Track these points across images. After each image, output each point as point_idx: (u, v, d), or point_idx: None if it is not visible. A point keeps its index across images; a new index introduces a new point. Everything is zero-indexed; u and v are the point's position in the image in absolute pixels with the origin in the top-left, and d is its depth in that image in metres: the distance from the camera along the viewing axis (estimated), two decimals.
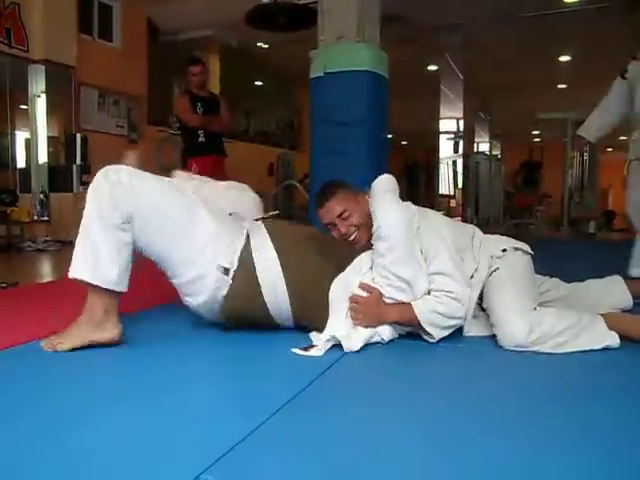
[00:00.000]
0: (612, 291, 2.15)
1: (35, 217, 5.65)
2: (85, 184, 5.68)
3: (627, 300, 2.12)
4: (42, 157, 5.87)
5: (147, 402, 1.26)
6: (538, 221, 8.42)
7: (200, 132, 4.39)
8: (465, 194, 8.93)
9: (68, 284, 1.78)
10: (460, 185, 11.75)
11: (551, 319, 1.70)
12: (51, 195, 5.68)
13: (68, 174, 5.61)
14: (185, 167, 4.39)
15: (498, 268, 1.86)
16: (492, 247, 1.93)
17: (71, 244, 5.52)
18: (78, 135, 5.77)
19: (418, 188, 14.04)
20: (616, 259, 4.69)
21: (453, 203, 12.26)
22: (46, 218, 5.71)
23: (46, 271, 4.36)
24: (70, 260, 1.75)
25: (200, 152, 4.42)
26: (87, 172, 5.71)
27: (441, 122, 10.90)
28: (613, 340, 1.70)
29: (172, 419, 1.17)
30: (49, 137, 5.89)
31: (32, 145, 5.87)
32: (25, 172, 5.88)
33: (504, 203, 11.65)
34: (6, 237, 5.09)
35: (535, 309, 1.76)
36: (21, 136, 6.06)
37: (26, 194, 5.70)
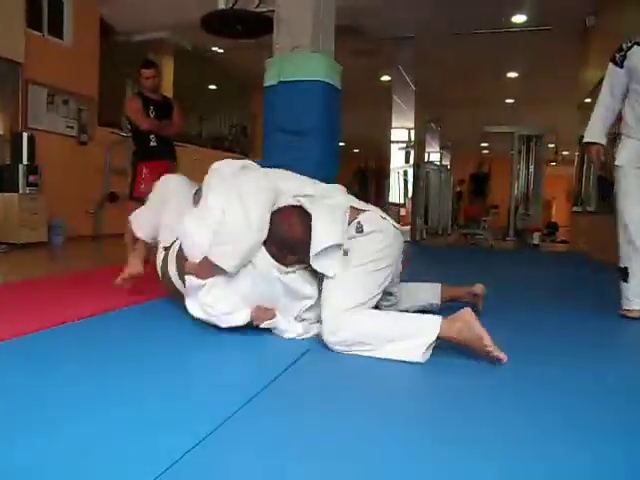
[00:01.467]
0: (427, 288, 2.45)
1: None
2: (32, 185, 5.54)
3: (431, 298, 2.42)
4: None
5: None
6: (485, 232, 8.67)
7: (151, 136, 4.33)
8: (414, 203, 9.10)
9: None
10: (410, 194, 12.02)
11: (359, 325, 1.79)
12: None
13: (14, 174, 5.44)
14: (136, 171, 4.36)
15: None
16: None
17: (17, 246, 5.43)
18: (25, 134, 5.60)
19: (368, 196, 14.19)
20: (555, 265, 4.93)
21: (403, 212, 12.53)
22: None
23: None
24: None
25: (151, 156, 4.36)
26: (34, 172, 5.57)
27: (393, 131, 11.14)
28: (419, 357, 1.74)
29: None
30: None
31: None
32: None
33: (453, 212, 11.99)
34: None
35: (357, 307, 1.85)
36: None
37: None
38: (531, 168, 10.12)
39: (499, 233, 9.76)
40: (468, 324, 1.74)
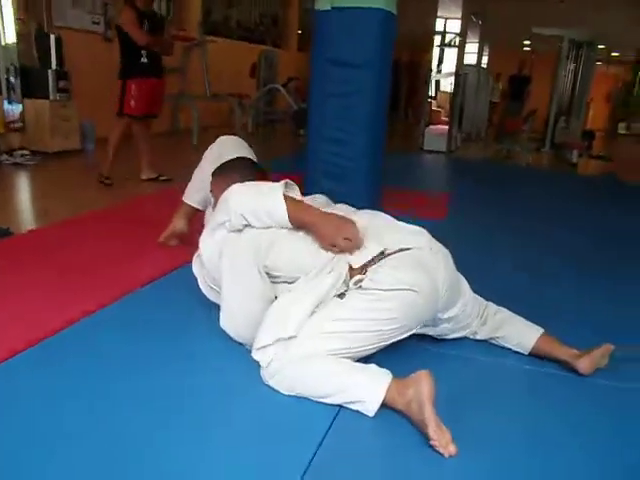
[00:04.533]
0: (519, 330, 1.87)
1: (10, 125, 5.32)
2: (62, 91, 5.33)
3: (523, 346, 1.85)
4: (10, 36, 5.37)
5: None
6: (523, 146, 8.36)
7: (143, 52, 4.10)
8: (452, 110, 8.70)
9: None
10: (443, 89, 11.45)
11: (299, 376, 1.50)
12: (26, 102, 5.31)
13: (43, 79, 5.22)
14: (124, 88, 4.16)
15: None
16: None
17: (47, 155, 5.47)
18: (52, 36, 5.29)
19: (399, 94, 13.50)
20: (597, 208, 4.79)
21: (434, 106, 12.04)
22: (21, 124, 5.39)
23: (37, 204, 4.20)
24: None
25: (141, 73, 4.15)
26: (64, 78, 5.34)
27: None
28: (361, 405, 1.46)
29: None
30: (19, 37, 5.40)
31: None
32: None
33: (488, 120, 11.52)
34: None
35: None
36: None
37: None
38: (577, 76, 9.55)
39: (534, 143, 9.42)
40: (419, 400, 1.39)
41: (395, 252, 1.65)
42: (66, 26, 5.77)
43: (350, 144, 3.60)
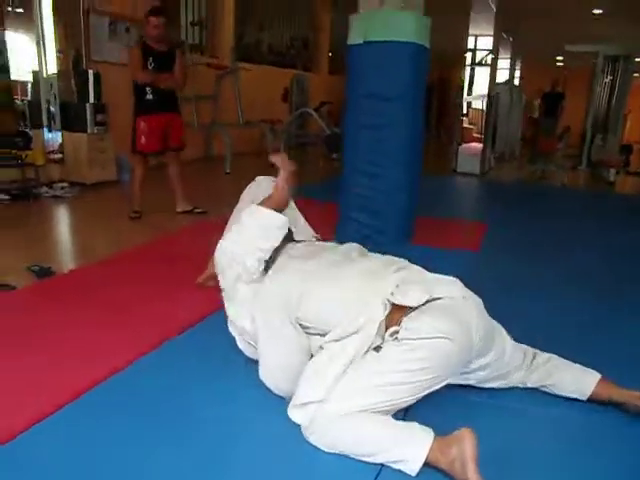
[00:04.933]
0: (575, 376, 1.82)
1: (50, 155, 5.48)
2: (99, 124, 5.47)
3: (581, 391, 1.79)
4: (51, 67, 5.58)
5: None
6: (558, 167, 8.21)
7: (147, 89, 4.17)
8: (486, 132, 8.61)
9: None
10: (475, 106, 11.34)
11: (338, 434, 1.48)
12: (65, 134, 5.47)
13: (82, 113, 5.37)
14: (135, 125, 4.25)
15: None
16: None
17: (85, 187, 5.58)
18: (90, 71, 5.46)
19: (430, 115, 13.41)
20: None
21: (466, 123, 11.95)
22: (60, 155, 5.55)
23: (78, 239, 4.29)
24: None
25: (148, 111, 4.22)
26: (101, 111, 5.48)
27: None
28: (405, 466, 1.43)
29: None
30: (59, 71, 5.58)
31: (39, 56, 5.54)
32: (34, 105, 5.61)
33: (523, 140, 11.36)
34: (21, 181, 4.96)
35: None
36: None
37: (37, 130, 5.48)
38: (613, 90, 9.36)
39: (569, 161, 9.24)
40: (462, 459, 1.36)
41: (428, 302, 1.63)
42: (103, 60, 5.93)
43: (383, 177, 3.60)
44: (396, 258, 1.88)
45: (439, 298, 1.63)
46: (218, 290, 2.62)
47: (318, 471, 1.46)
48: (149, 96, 4.18)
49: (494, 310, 1.75)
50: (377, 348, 1.58)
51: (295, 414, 1.58)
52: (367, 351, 1.58)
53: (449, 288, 1.70)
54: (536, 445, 1.63)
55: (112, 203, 5.05)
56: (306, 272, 1.77)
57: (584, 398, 1.78)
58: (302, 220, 2.48)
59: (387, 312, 1.60)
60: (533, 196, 6.36)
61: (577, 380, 1.80)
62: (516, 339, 1.83)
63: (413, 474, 1.43)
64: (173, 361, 2.02)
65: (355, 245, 2.08)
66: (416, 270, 1.82)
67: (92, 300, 2.52)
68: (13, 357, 1.96)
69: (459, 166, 7.92)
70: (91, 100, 5.42)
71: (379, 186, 3.62)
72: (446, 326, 1.55)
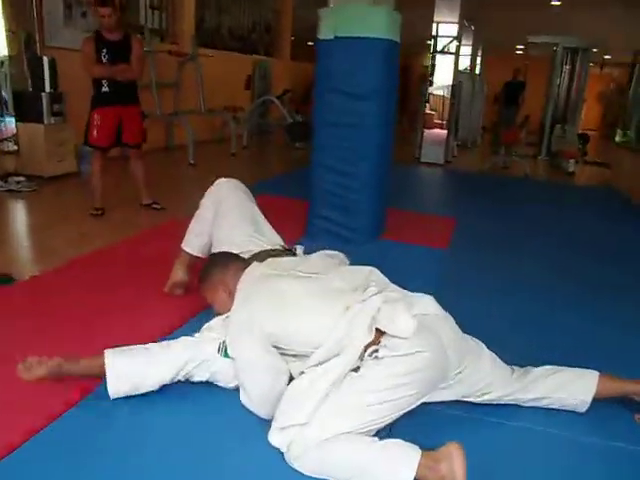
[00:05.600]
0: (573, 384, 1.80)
1: (2, 144, 5.23)
2: (57, 114, 5.24)
3: (582, 401, 1.79)
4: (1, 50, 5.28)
5: None
6: (519, 155, 8.32)
7: (103, 81, 4.03)
8: (449, 120, 8.64)
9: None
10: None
11: (327, 458, 1.45)
12: (19, 125, 5.22)
13: (37, 102, 5.11)
14: (89, 118, 4.12)
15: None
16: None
17: (43, 180, 5.36)
18: (45, 58, 5.18)
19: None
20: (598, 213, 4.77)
21: (427, 109, 11.96)
22: (15, 147, 5.30)
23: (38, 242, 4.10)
24: None
25: (103, 103, 4.08)
26: (58, 101, 5.24)
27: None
28: None
29: None
30: (10, 55, 5.31)
31: None
32: None
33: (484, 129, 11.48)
34: None
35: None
36: None
37: None
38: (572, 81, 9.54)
39: (530, 149, 9.39)
40: (452, 477, 1.38)
41: None
42: (59, 46, 5.66)
43: (353, 175, 3.56)
44: (370, 269, 1.88)
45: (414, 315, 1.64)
46: (185, 299, 2.57)
47: None
48: (105, 88, 4.02)
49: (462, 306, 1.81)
50: (356, 369, 1.57)
51: (274, 438, 1.55)
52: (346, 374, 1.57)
53: (425, 305, 1.73)
54: (516, 459, 1.64)
55: (73, 198, 4.86)
56: (281, 293, 1.75)
57: (589, 399, 1.78)
58: (268, 227, 2.44)
59: (372, 337, 1.58)
60: (497, 187, 6.46)
61: (580, 383, 1.79)
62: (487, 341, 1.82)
63: None
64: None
65: (338, 253, 2.05)
66: (394, 287, 1.83)
67: (53, 317, 2.35)
68: None
69: (423, 156, 7.94)
70: (47, 89, 5.16)
71: (349, 184, 3.58)
72: (423, 340, 1.57)
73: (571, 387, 1.80)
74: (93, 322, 2.32)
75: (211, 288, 2.01)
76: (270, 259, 2.03)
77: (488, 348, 1.80)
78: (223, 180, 2.58)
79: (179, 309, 2.47)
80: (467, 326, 1.79)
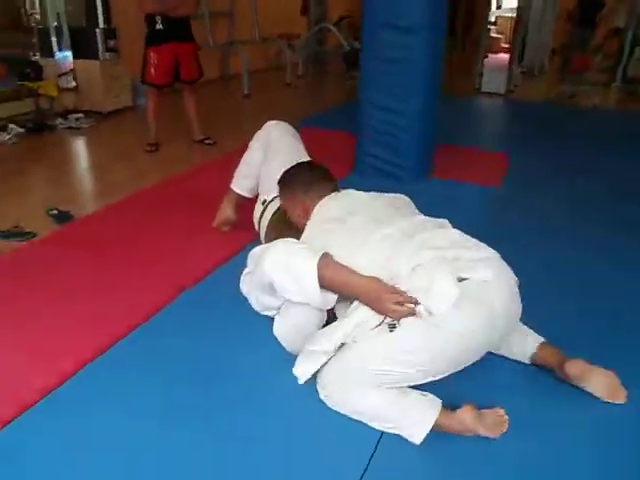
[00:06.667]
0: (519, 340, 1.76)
1: (62, 77, 5.35)
2: (111, 50, 5.30)
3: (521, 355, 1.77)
4: None
5: None
6: (590, 82, 7.75)
7: (157, 18, 3.96)
8: (514, 45, 8.10)
9: None
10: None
11: (348, 397, 1.52)
12: (76, 62, 5.32)
13: (92, 39, 5.18)
14: (145, 57, 4.12)
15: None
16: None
17: (101, 116, 5.51)
18: None
19: (456, 15, 12.43)
20: None
21: (493, 32, 11.26)
22: (74, 84, 5.43)
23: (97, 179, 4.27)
24: None
25: (158, 41, 4.04)
26: (112, 37, 5.28)
27: None
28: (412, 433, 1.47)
29: None
30: None
31: None
32: (44, 31, 5.39)
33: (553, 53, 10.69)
34: (35, 113, 4.91)
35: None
36: None
37: (48, 59, 5.33)
38: None
39: (603, 75, 8.72)
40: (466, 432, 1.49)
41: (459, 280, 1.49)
42: None
43: (401, 112, 3.47)
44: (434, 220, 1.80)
45: (467, 279, 1.50)
46: (235, 233, 2.66)
47: (323, 433, 1.54)
48: (159, 26, 3.99)
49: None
50: (392, 326, 1.51)
51: (300, 367, 1.62)
52: (380, 324, 1.53)
53: (484, 266, 1.55)
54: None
55: (129, 133, 5.00)
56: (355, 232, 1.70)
57: (528, 361, 1.76)
58: None
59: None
60: (561, 119, 6.06)
61: (522, 346, 1.76)
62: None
63: (417, 443, 1.47)
64: (191, 313, 2.07)
65: (402, 196, 2.00)
66: (454, 234, 1.71)
67: (111, 253, 2.52)
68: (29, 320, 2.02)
69: (484, 85, 7.51)
70: (101, 25, 5.21)
71: (397, 121, 3.49)
72: (469, 323, 1.48)
73: (516, 341, 1.76)
74: (146, 258, 2.48)
75: (288, 201, 2.02)
76: (344, 192, 1.97)
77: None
78: (272, 123, 2.60)
79: (229, 241, 2.60)
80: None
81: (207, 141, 4.50)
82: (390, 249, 1.61)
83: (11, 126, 4.58)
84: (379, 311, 1.52)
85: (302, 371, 1.62)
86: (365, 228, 1.70)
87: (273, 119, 2.59)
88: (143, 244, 2.62)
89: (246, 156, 2.59)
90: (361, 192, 1.96)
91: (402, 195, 2.02)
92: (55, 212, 3.01)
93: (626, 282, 2.42)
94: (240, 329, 1.95)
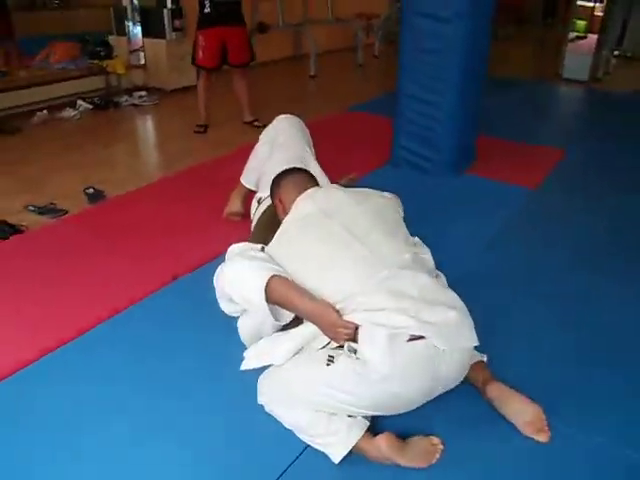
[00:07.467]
0: None
1: (133, 54, 5.61)
2: (177, 30, 5.48)
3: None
4: None
5: None
6: None
7: (206, 2, 4.03)
8: (607, 25, 7.33)
9: None
10: None
11: (283, 409, 1.54)
12: (145, 41, 5.56)
13: (159, 18, 5.39)
14: (195, 39, 4.21)
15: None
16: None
17: (165, 93, 5.69)
18: None
19: None
20: None
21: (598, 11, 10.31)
22: (143, 62, 5.68)
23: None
24: None
25: (206, 24, 4.11)
26: (179, 17, 5.46)
27: None
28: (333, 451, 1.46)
29: None
30: None
31: None
32: (118, 10, 5.66)
33: None
34: (104, 89, 5.21)
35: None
36: None
37: (122, 37, 5.62)
38: None
39: None
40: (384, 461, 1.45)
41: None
42: None
43: (438, 105, 3.37)
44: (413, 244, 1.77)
45: (421, 337, 1.40)
46: (240, 226, 2.72)
47: (249, 434, 1.59)
48: (207, 9, 4.08)
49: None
50: (330, 358, 1.48)
51: (247, 355, 1.65)
52: (325, 347, 1.54)
53: (440, 331, 1.42)
54: None
55: (186, 112, 5.16)
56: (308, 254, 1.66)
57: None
58: (316, 169, 2.42)
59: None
60: None
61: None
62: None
63: (335, 462, 1.46)
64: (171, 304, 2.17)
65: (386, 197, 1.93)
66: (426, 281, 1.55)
67: (135, 230, 2.70)
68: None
69: (565, 70, 6.89)
70: (169, 5, 5.39)
71: (433, 113, 3.39)
72: (407, 386, 1.43)
73: None
74: (155, 242, 2.63)
75: (274, 200, 1.99)
76: (322, 191, 1.89)
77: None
78: (282, 117, 2.62)
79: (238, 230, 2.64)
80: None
81: (256, 123, 4.59)
82: (353, 277, 1.54)
83: (79, 102, 4.89)
84: (325, 334, 1.52)
85: (246, 363, 1.64)
86: (335, 240, 1.63)
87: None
88: (160, 227, 2.76)
89: (255, 149, 2.64)
90: (344, 191, 1.84)
91: (393, 196, 1.95)
92: (91, 190, 3.20)
93: None
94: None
